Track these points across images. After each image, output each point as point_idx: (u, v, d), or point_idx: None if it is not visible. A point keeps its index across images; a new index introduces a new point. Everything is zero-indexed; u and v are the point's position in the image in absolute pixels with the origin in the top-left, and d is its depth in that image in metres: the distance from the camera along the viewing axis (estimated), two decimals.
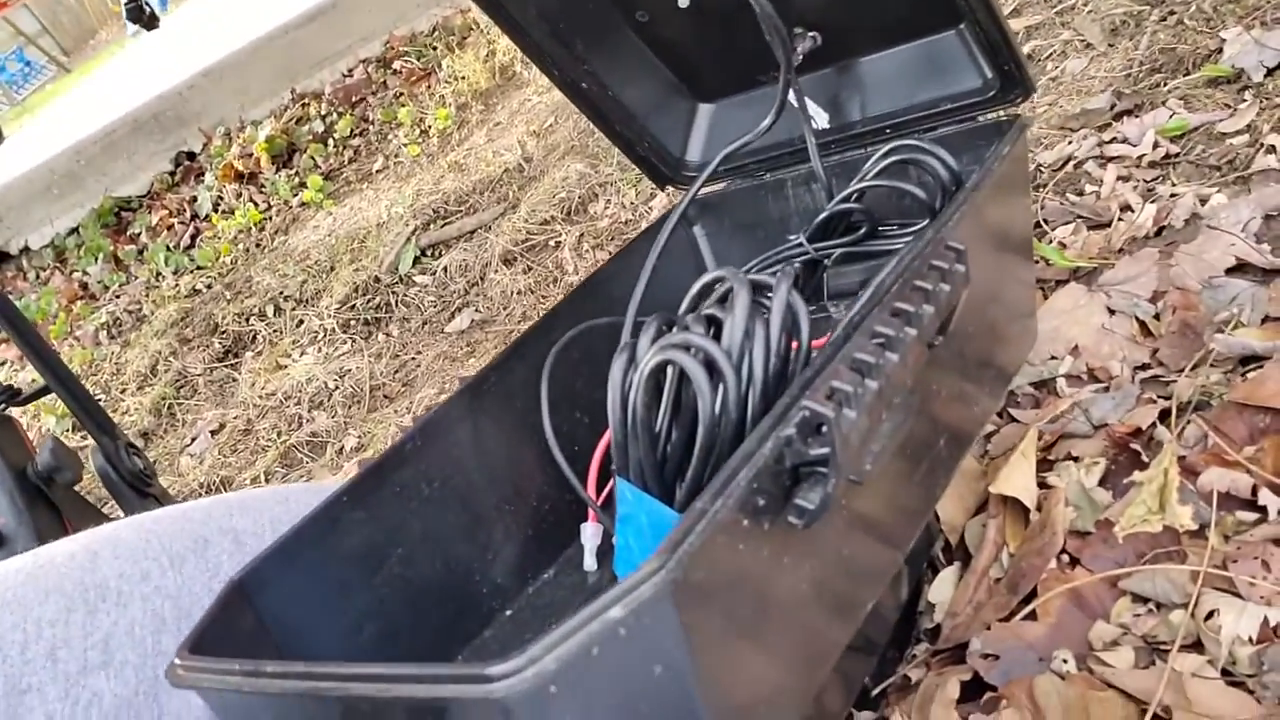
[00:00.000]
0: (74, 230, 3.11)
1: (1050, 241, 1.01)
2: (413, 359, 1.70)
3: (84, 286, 2.90)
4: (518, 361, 0.68)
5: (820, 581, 0.46)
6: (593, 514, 0.67)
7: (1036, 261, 0.98)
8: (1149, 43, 1.26)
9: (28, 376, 2.37)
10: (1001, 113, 0.74)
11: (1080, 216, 1.03)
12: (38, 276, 3.08)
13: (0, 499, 1.05)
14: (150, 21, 2.78)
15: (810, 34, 0.77)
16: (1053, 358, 0.86)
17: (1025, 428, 0.81)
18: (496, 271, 1.77)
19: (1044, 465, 0.77)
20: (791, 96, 0.74)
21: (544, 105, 2.32)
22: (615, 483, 0.54)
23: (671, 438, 0.52)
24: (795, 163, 0.84)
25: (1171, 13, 1.29)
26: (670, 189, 0.93)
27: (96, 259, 2.93)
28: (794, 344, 0.51)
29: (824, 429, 0.41)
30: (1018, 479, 0.72)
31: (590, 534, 0.67)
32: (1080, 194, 1.07)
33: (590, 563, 0.66)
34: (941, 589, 0.71)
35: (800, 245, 0.77)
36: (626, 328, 0.69)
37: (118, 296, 2.76)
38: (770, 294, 0.51)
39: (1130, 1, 1.36)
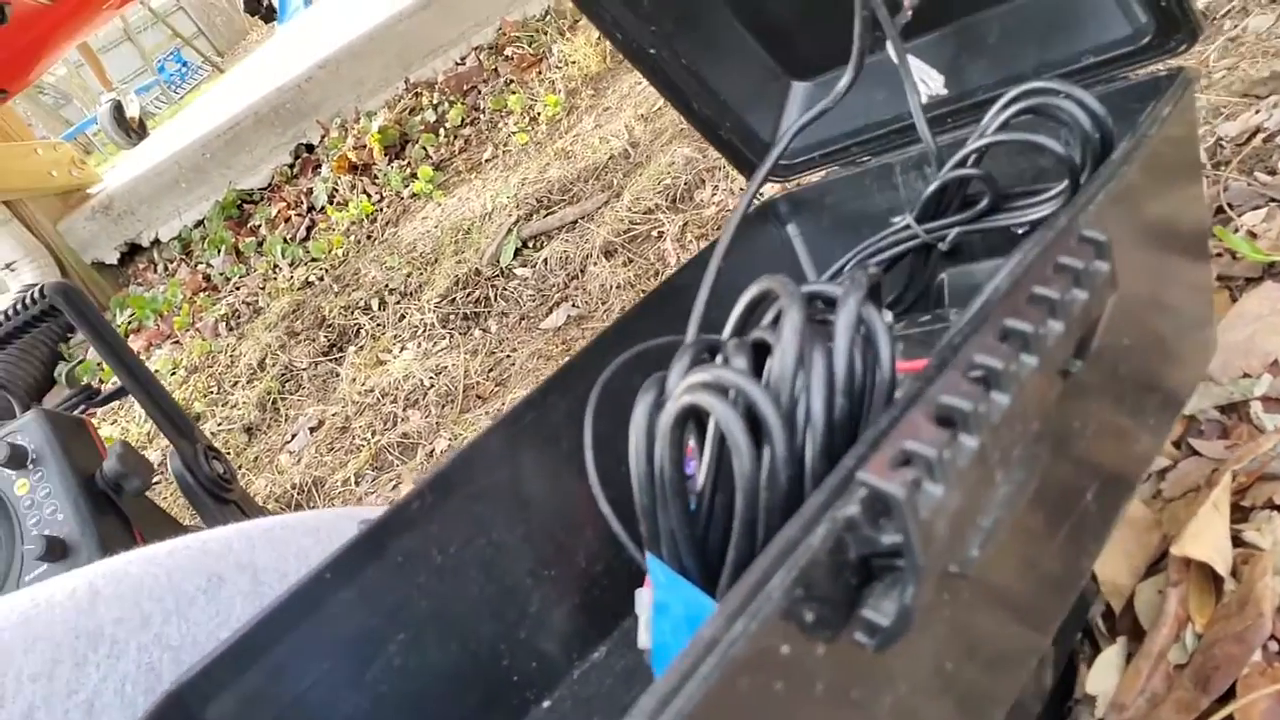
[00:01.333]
0: (200, 223, 3.17)
1: (1237, 230, 0.83)
2: (507, 357, 1.61)
3: (207, 279, 2.95)
4: (560, 395, 0.57)
5: (912, 713, 0.33)
6: (648, 578, 0.55)
7: (1219, 255, 0.81)
8: None
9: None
10: (1161, 66, 0.58)
11: (1274, 200, 0.85)
12: (166, 269, 3.16)
13: (65, 506, 1.01)
14: (268, 13, 2.80)
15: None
16: (1245, 375, 0.69)
17: (1211, 465, 0.65)
18: (596, 264, 1.66)
19: (1237, 515, 0.61)
20: (893, 54, 0.59)
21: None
22: (646, 559, 0.41)
23: (712, 502, 0.39)
24: (904, 143, 0.70)
25: None
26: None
27: (219, 251, 2.98)
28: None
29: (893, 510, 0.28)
30: (1207, 538, 0.56)
31: (646, 602, 0.54)
32: (1273, 172, 0.88)
33: (645, 639, 0.54)
34: (1104, 675, 0.56)
35: (907, 228, 0.62)
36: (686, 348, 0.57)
37: (237, 289, 2.79)
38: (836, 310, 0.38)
39: None
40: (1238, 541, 0.59)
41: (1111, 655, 0.57)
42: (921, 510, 0.27)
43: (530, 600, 0.52)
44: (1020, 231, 0.55)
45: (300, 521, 0.69)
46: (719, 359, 0.37)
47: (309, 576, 0.43)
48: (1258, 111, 0.95)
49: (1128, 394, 0.48)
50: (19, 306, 1.10)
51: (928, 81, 0.62)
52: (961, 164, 0.54)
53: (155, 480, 1.11)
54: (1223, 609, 0.54)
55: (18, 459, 1.02)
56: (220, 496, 1.19)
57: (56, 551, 0.99)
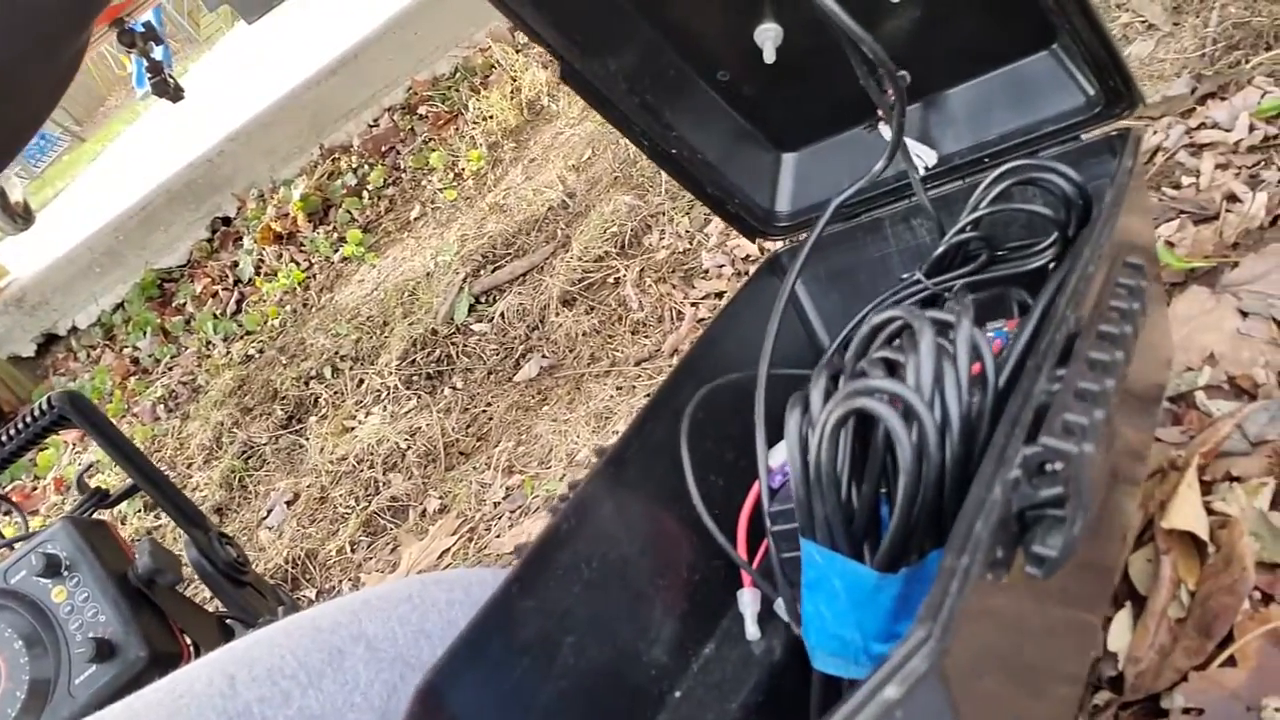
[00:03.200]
0: (119, 306, 3.12)
1: (1156, 240, 0.97)
2: (483, 411, 1.68)
3: (135, 362, 2.91)
4: (649, 429, 0.66)
5: (1056, 633, 0.44)
6: (748, 578, 0.65)
7: None
8: (1219, 19, 1.22)
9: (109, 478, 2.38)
10: (1108, 127, 0.71)
11: (1183, 211, 0.99)
12: (88, 355, 3.10)
13: (106, 608, 1.04)
14: (176, 94, 2.79)
15: (900, 73, 0.74)
16: (1188, 369, 0.82)
17: (1170, 449, 0.77)
18: (557, 314, 1.74)
19: (1203, 488, 0.73)
20: (885, 133, 0.71)
21: (578, 138, 2.30)
22: (801, 546, 0.51)
23: (857, 494, 0.49)
24: (891, 201, 0.81)
25: None
26: (760, 241, 0.90)
27: (145, 333, 2.94)
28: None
29: (1056, 468, 0.39)
30: (1188, 511, 0.68)
31: (749, 600, 0.64)
32: (1177, 187, 1.03)
33: (753, 631, 0.64)
34: (1119, 634, 0.67)
35: (918, 281, 0.74)
36: (760, 382, 0.66)
37: (170, 369, 2.77)
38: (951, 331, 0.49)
39: None
40: (1209, 511, 0.71)
41: (1122, 617, 0.68)
42: (1083, 463, 0.37)
43: (654, 607, 0.62)
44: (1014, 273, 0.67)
45: (391, 592, 0.75)
46: (847, 377, 0.47)
47: (500, 590, 0.52)
48: (1155, 133, 1.10)
49: (1134, 389, 0.59)
50: (29, 418, 1.12)
51: (922, 156, 0.73)
52: (962, 230, 0.65)
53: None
54: (1210, 568, 0.66)
55: (53, 568, 1.05)
56: (237, 580, 1.23)
57: (105, 652, 1.02)
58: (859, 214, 0.81)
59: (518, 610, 0.53)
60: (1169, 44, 1.26)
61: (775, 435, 0.56)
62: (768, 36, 0.71)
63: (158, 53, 2.64)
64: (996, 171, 0.64)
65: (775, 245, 0.88)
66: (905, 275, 0.71)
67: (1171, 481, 0.73)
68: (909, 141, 0.71)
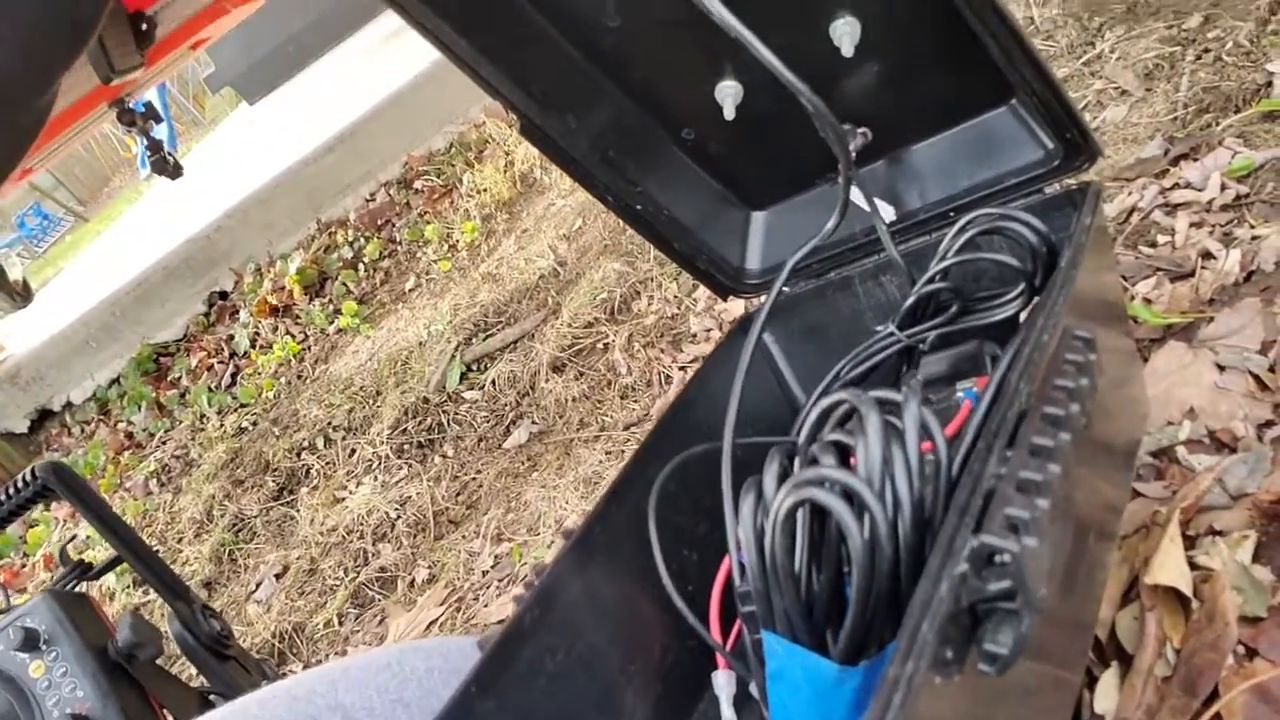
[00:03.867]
0: (115, 381, 3.13)
1: (1134, 298, 0.98)
2: (473, 479, 1.67)
3: (129, 436, 2.91)
4: (617, 506, 0.65)
5: (1023, 717, 0.42)
6: (722, 660, 0.63)
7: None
8: (1189, 83, 1.25)
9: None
10: (1069, 180, 0.72)
11: (1159, 269, 1.00)
12: (82, 431, 3.10)
13: (85, 683, 1.02)
14: (175, 171, 2.84)
15: (860, 130, 0.76)
16: (1169, 424, 0.82)
17: (1153, 505, 0.77)
18: (547, 380, 1.75)
19: (1186, 542, 0.73)
20: (855, 193, 0.72)
21: (569, 208, 2.33)
22: (762, 637, 0.50)
23: (816, 580, 0.48)
24: (859, 258, 0.81)
25: (1206, 50, 1.28)
26: (733, 299, 0.91)
27: (139, 407, 2.94)
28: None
29: (1004, 561, 0.38)
30: (1170, 566, 0.67)
31: (723, 683, 0.62)
32: (1153, 245, 1.04)
33: (729, 715, 0.62)
34: (1106, 695, 0.66)
35: (891, 334, 0.74)
36: (726, 455, 0.66)
37: (164, 443, 2.76)
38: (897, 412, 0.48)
39: (1159, 44, 1.35)
40: (1193, 565, 0.70)
41: (1109, 678, 0.67)
42: (1027, 557, 0.36)
43: (624, 695, 0.60)
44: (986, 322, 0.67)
45: (371, 661, 0.74)
46: (801, 461, 0.47)
47: (459, 692, 0.50)
48: (1130, 194, 1.12)
49: (1101, 454, 0.59)
50: (13, 489, 1.12)
51: (881, 212, 0.74)
52: (931, 280, 0.66)
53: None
54: (1194, 624, 0.65)
55: (31, 642, 1.03)
56: (221, 653, 1.21)
57: None
58: (828, 271, 0.82)
59: (478, 713, 0.51)
60: (1142, 108, 1.29)
61: None
62: (727, 94, 0.72)
63: (158, 131, 2.70)
64: (962, 221, 0.65)
65: (757, 301, 0.89)
66: (879, 328, 0.72)
67: (1155, 537, 0.73)
68: (872, 198, 0.72)
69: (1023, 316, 0.68)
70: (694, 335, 1.58)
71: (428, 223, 2.79)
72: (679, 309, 1.67)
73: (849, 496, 0.45)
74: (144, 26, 1.84)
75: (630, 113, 0.78)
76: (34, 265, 10.44)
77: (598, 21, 0.71)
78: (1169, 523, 0.70)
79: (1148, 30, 1.37)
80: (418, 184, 2.96)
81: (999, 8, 0.61)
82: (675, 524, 0.69)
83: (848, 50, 0.67)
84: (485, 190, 2.70)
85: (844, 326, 0.85)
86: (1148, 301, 0.96)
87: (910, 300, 0.68)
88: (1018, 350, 0.52)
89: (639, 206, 0.81)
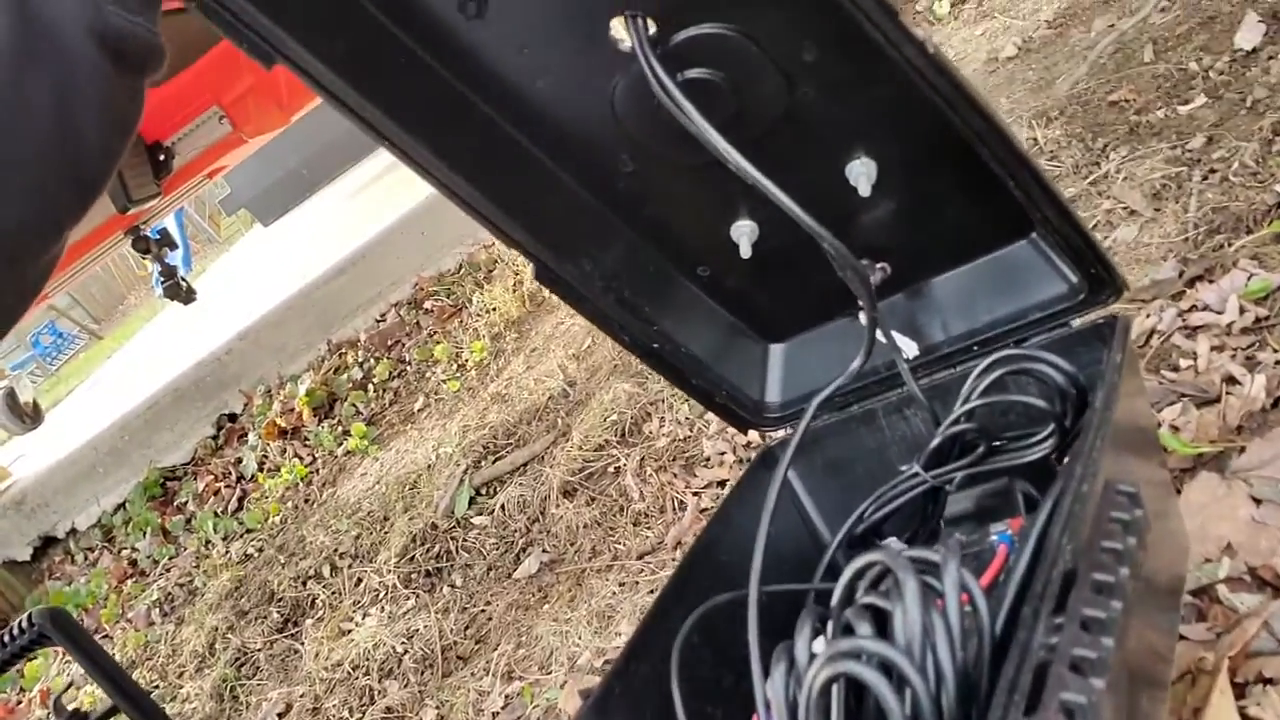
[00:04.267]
0: (121, 506, 3.10)
1: (1160, 425, 0.95)
2: (482, 611, 1.62)
3: (133, 564, 2.86)
4: (638, 663, 0.62)
5: None
6: None
7: None
8: (1198, 204, 1.25)
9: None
10: (1095, 314, 0.70)
11: (1184, 395, 0.98)
12: (85, 558, 3.05)
13: None
14: (188, 297, 2.87)
15: (879, 265, 0.75)
16: (1207, 560, 0.79)
17: (1198, 648, 0.73)
18: (558, 505, 1.71)
19: (1235, 691, 0.68)
20: (882, 336, 0.71)
21: (579, 327, 2.33)
22: None
23: None
24: (882, 391, 0.80)
25: (1213, 171, 1.29)
26: (753, 433, 0.89)
27: (145, 534, 2.90)
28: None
29: None
30: None
31: None
32: (1175, 370, 1.02)
33: None
34: None
35: (916, 475, 0.72)
36: (752, 609, 0.63)
37: (168, 570, 2.71)
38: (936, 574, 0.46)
39: (1164, 164, 1.36)
40: (1245, 718, 0.66)
41: None
42: None
43: None
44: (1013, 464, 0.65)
45: None
46: (834, 627, 0.44)
47: None
48: (1148, 316, 1.11)
49: (1148, 602, 0.56)
50: (9, 635, 1.08)
51: (904, 348, 0.73)
52: (957, 421, 0.64)
53: None
54: None
55: None
56: None
57: None
58: (850, 405, 0.80)
59: None
60: (1152, 229, 1.29)
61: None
62: (743, 233, 0.72)
63: (173, 257, 2.74)
64: (986, 361, 0.63)
65: (778, 433, 0.87)
66: (904, 468, 0.69)
67: (1203, 686, 0.68)
68: (893, 336, 0.71)
69: (1053, 457, 0.65)
70: (707, 459, 1.55)
71: (437, 342, 2.80)
72: (691, 431, 1.65)
73: (887, 669, 0.42)
74: (162, 157, 1.88)
75: (645, 253, 0.78)
76: (46, 384, 10.51)
77: (613, 166, 0.71)
78: (1218, 673, 0.67)
79: (1152, 150, 1.39)
80: (428, 304, 2.98)
81: (1016, 147, 0.60)
82: (699, 678, 0.65)
83: (865, 190, 0.67)
84: (494, 309, 2.71)
85: (869, 461, 0.83)
86: (1175, 429, 0.94)
87: (936, 441, 0.66)
88: (1057, 503, 0.49)
89: (655, 345, 0.80)
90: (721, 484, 1.49)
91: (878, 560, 0.46)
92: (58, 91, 0.48)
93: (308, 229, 4.84)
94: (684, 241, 0.78)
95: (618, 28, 0.59)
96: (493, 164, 0.67)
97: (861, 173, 0.67)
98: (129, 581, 2.78)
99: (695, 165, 0.67)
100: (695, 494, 1.50)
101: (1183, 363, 1.02)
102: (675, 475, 1.57)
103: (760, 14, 0.59)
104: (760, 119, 0.64)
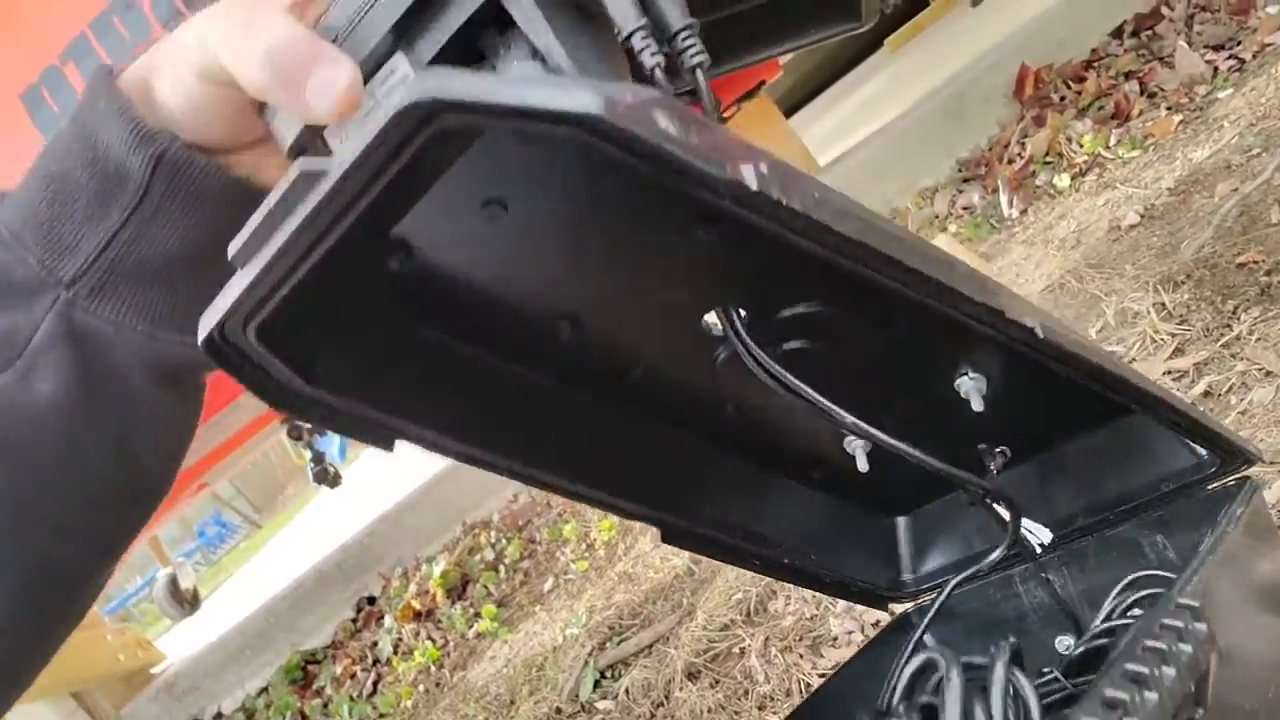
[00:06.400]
0: (264, 690, 3.17)
1: None
2: None
3: None
4: None
5: None
6: None
7: None
8: None
9: None
10: (1230, 480, 0.67)
11: None
12: None
13: None
14: (334, 481, 3.03)
15: (999, 449, 0.74)
16: None
17: None
18: (682, 689, 1.66)
19: None
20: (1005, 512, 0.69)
21: None
22: None
23: None
24: (1019, 560, 0.77)
25: None
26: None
27: (284, 717, 2.95)
28: None
29: None
30: None
31: None
32: None
33: None
34: None
35: (1056, 679, 0.68)
36: None
37: None
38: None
39: None
40: None
41: None
42: None
43: None
44: None
45: None
46: None
47: None
48: None
49: None
50: None
51: (1036, 533, 0.71)
52: (1098, 636, 0.62)
53: None
54: None
55: None
56: None
57: None
58: (987, 573, 0.77)
59: None
60: None
61: None
62: (858, 446, 0.72)
63: (325, 443, 2.90)
64: (1128, 580, 0.64)
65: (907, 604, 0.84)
66: (1045, 670, 0.66)
67: None
68: (1024, 525, 0.69)
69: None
70: (834, 638, 1.49)
71: (566, 522, 2.83)
72: (818, 609, 1.59)
73: None
74: None
75: (759, 480, 0.78)
76: (209, 572, 11.02)
77: (718, 416, 0.72)
78: None
79: None
80: None
81: (1140, 389, 0.58)
82: None
83: (977, 405, 0.65)
84: None
85: (1009, 627, 0.79)
86: None
87: (1075, 653, 0.64)
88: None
89: (785, 560, 0.79)
90: None
91: (934, 659, 0.46)
92: (117, 431, 0.48)
93: None
94: (796, 458, 0.78)
95: (711, 319, 0.61)
96: (596, 460, 0.67)
97: (971, 387, 0.65)
98: None
99: (799, 408, 0.68)
100: (821, 675, 1.44)
101: None
102: (801, 656, 1.51)
103: (848, 299, 0.60)
104: (859, 364, 0.65)
